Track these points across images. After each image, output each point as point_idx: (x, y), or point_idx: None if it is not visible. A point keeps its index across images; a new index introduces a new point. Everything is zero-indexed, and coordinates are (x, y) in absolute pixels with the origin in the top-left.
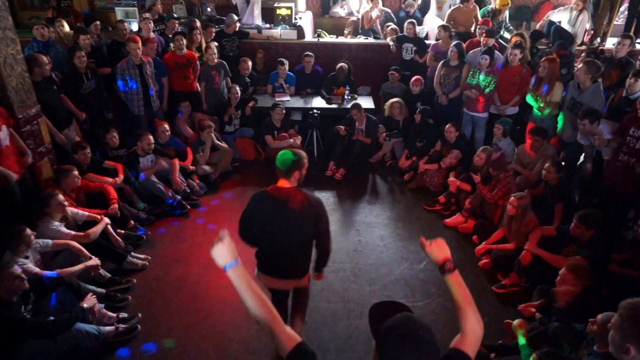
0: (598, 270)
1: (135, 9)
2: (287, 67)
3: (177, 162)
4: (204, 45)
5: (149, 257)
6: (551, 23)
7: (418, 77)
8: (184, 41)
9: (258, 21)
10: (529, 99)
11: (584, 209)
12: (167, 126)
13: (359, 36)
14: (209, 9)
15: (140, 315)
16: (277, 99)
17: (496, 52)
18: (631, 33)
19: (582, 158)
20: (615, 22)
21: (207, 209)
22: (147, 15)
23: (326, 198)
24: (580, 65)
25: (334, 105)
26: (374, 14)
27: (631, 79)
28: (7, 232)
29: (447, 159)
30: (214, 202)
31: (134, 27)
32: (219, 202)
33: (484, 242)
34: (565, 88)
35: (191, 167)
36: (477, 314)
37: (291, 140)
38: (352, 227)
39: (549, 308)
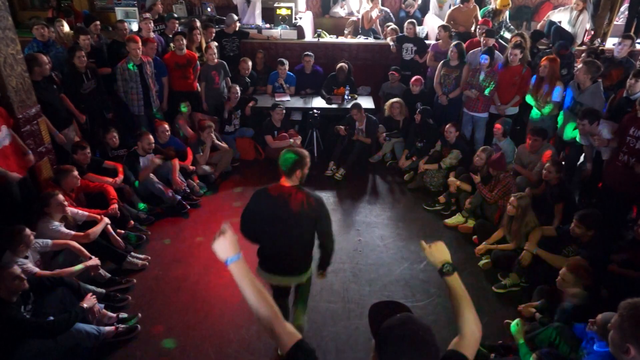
0: (598, 270)
1: (135, 9)
2: (287, 67)
3: (177, 162)
4: (204, 45)
5: (149, 257)
6: (551, 23)
7: (418, 77)
8: (184, 41)
9: (259, 21)
10: (529, 98)
11: (584, 209)
12: (167, 126)
13: (359, 36)
14: (209, 9)
15: (140, 315)
16: (277, 99)
17: (496, 52)
18: (631, 33)
19: (582, 158)
20: (615, 22)
21: (207, 209)
22: (147, 15)
23: (326, 198)
24: (580, 65)
25: (334, 105)
26: (374, 14)
27: (632, 80)
28: (7, 232)
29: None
30: (214, 202)
31: (134, 27)
32: (219, 202)
33: (484, 242)
34: (565, 88)
35: (191, 167)
36: (475, 316)
37: (291, 140)
38: (352, 227)
39: (549, 308)
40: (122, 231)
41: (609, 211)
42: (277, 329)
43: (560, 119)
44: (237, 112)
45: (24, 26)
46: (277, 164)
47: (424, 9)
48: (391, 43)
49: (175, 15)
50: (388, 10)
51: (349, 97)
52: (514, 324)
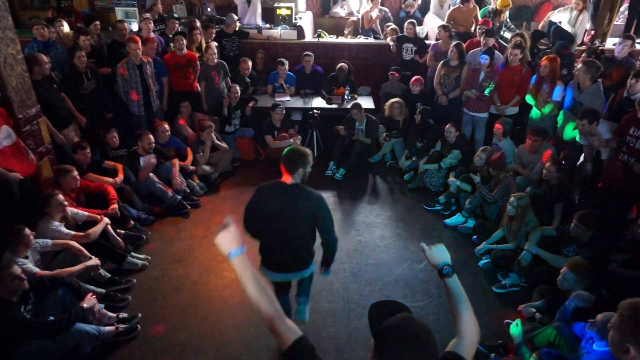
0: (598, 270)
1: (135, 9)
2: (287, 67)
3: (177, 162)
4: (204, 45)
5: (149, 257)
6: (551, 23)
7: (418, 77)
8: (184, 41)
9: (259, 21)
10: (529, 98)
11: (584, 209)
12: (167, 126)
13: (359, 36)
14: (209, 9)
15: (140, 315)
16: (277, 99)
17: (496, 52)
18: (631, 33)
19: (582, 158)
20: (615, 22)
21: (207, 209)
22: (147, 15)
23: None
24: (580, 65)
25: (334, 106)
26: (374, 14)
27: (632, 80)
28: (6, 232)
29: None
30: (214, 202)
31: (134, 27)
32: (219, 202)
33: (484, 242)
34: (565, 88)
35: (191, 167)
36: (473, 318)
37: (291, 140)
38: (352, 227)
39: (549, 308)
40: (122, 231)
41: (609, 211)
42: (278, 325)
43: (560, 119)
44: (237, 112)
45: (24, 26)
46: (278, 163)
47: (424, 9)
48: (391, 43)
49: (176, 15)
50: (387, 10)
51: (349, 97)
52: (514, 325)
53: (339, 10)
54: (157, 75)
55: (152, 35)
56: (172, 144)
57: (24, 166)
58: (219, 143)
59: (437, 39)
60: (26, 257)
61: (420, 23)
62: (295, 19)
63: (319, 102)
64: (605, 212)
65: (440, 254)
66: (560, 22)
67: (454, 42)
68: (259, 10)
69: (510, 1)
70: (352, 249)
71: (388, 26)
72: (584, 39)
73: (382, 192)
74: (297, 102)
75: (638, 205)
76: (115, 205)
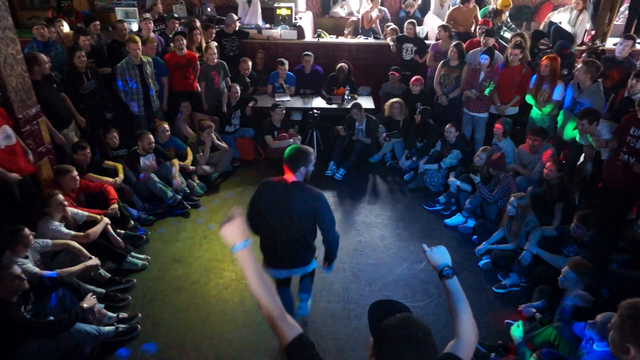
0: (598, 270)
1: (135, 9)
2: (287, 67)
3: (176, 162)
4: (204, 45)
5: (149, 257)
6: (552, 24)
7: (418, 77)
8: (184, 41)
9: (260, 21)
10: (529, 98)
11: (584, 209)
12: (167, 126)
13: (359, 36)
14: (209, 9)
15: (140, 315)
16: (277, 99)
17: (496, 52)
18: (632, 33)
19: (582, 158)
20: (615, 22)
21: (207, 209)
22: (147, 15)
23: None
24: (580, 65)
25: (334, 106)
26: (374, 14)
27: (633, 80)
28: (6, 231)
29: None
30: (214, 202)
31: (134, 27)
32: (219, 202)
33: (484, 242)
34: (565, 88)
35: (191, 167)
36: (472, 319)
37: (291, 140)
38: (352, 227)
39: (549, 308)
40: (122, 231)
41: (609, 211)
42: (278, 321)
43: (560, 119)
44: (237, 112)
45: (24, 26)
46: (278, 163)
47: (424, 9)
48: (391, 43)
49: (176, 15)
50: (386, 10)
51: (349, 97)
52: (515, 326)
53: (339, 10)
54: (157, 75)
55: (152, 35)
56: (172, 144)
57: (22, 166)
58: (219, 143)
59: (437, 39)
60: (26, 257)
61: (420, 23)
62: (295, 19)
63: (319, 102)
64: (605, 212)
65: (441, 255)
66: (560, 23)
67: (454, 42)
68: (259, 10)
69: (510, 1)
70: (352, 249)
71: (388, 26)
72: (584, 39)
73: (382, 192)
74: (297, 102)
75: (638, 205)
76: (115, 205)
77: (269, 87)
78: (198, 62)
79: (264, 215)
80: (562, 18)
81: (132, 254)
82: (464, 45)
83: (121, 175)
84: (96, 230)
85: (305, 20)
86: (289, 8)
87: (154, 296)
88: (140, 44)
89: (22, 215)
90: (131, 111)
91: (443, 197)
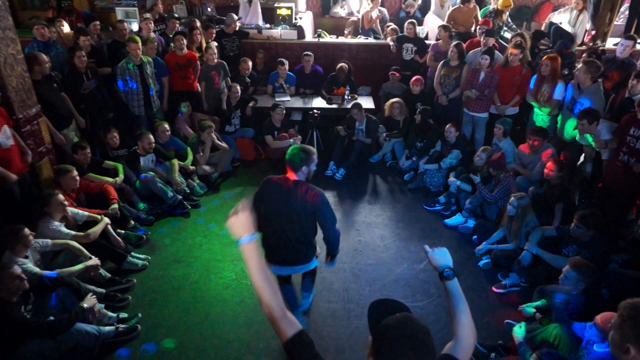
0: (598, 271)
1: (136, 9)
2: (287, 67)
3: (176, 162)
4: (204, 45)
5: (149, 257)
6: (552, 24)
7: (418, 77)
8: (185, 41)
9: (260, 21)
10: (529, 98)
11: (584, 209)
12: (167, 126)
13: (359, 36)
14: (209, 9)
15: (140, 315)
16: (277, 99)
17: (496, 52)
18: (632, 33)
19: (582, 158)
20: (615, 22)
21: (207, 209)
22: (148, 15)
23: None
24: (580, 65)
25: (334, 106)
26: (374, 14)
27: (634, 80)
28: (5, 231)
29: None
30: (214, 202)
31: (134, 27)
32: (219, 202)
33: (484, 242)
34: (566, 87)
35: (191, 168)
36: (471, 321)
37: (291, 140)
38: (352, 227)
39: (549, 308)
40: (122, 231)
41: (609, 211)
42: (278, 317)
43: (560, 119)
44: (237, 112)
45: (24, 26)
46: (278, 163)
47: (424, 9)
48: (391, 43)
49: (176, 15)
50: (385, 10)
51: (349, 97)
52: (518, 327)
53: (339, 10)
54: (157, 75)
55: (153, 35)
56: (172, 144)
57: (17, 166)
58: (219, 143)
59: (437, 39)
60: (26, 257)
61: (420, 23)
62: (295, 19)
63: (319, 102)
64: (605, 212)
65: (443, 256)
66: (560, 23)
67: (454, 42)
68: (259, 10)
69: (511, 1)
70: (352, 249)
71: (388, 26)
72: (584, 39)
73: (382, 192)
74: (297, 102)
75: (638, 205)
76: (116, 205)
77: (269, 87)
78: (198, 62)
79: (265, 213)
80: (562, 19)
81: (132, 254)
82: (464, 46)
83: (121, 175)
84: (96, 230)
85: (306, 20)
86: (289, 8)
87: (154, 296)
88: (140, 44)
89: (22, 215)
90: (131, 111)
91: (443, 197)
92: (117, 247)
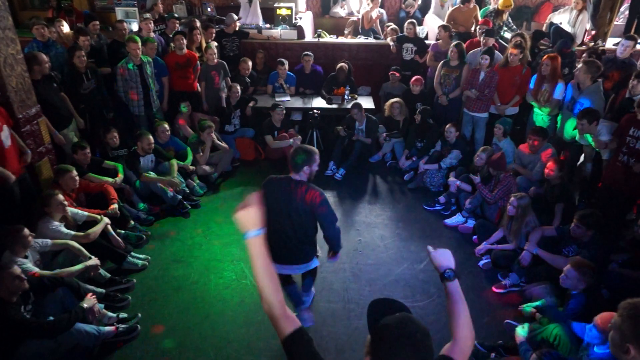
0: (598, 271)
1: (135, 9)
2: (287, 67)
3: (175, 163)
4: (204, 45)
5: (149, 257)
6: (552, 24)
7: (418, 77)
8: (184, 41)
9: (260, 21)
10: (529, 98)
11: (584, 209)
12: (167, 126)
13: (359, 36)
14: (209, 9)
15: (140, 315)
16: (277, 99)
17: (496, 52)
18: (632, 33)
19: (582, 158)
20: (615, 22)
21: (207, 209)
22: (148, 15)
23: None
24: (580, 65)
25: (334, 106)
26: (374, 14)
27: (634, 81)
28: (5, 231)
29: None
30: (214, 202)
31: (134, 27)
32: (219, 202)
33: (484, 242)
34: (566, 86)
35: (191, 168)
36: (470, 322)
37: (291, 140)
38: (352, 227)
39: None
40: (122, 231)
41: (609, 211)
42: (278, 314)
43: (560, 119)
44: (237, 112)
45: (24, 26)
46: (278, 163)
47: (424, 9)
48: (391, 43)
49: (176, 15)
50: (384, 12)
51: (349, 97)
52: (521, 327)
53: (339, 10)
54: (157, 75)
55: (152, 35)
56: (172, 144)
57: (15, 166)
58: (219, 143)
59: (437, 39)
60: (26, 257)
61: (420, 23)
62: (295, 19)
63: (319, 102)
64: (605, 212)
65: (445, 257)
66: (560, 23)
67: (454, 42)
68: (259, 10)
69: (512, 1)
70: (352, 249)
71: (388, 26)
72: (584, 39)
73: (382, 192)
74: (297, 102)
75: (638, 205)
76: (115, 205)
77: (269, 87)
78: (198, 62)
79: (266, 212)
80: (562, 19)
81: (132, 254)
82: (464, 46)
83: (121, 175)
84: (96, 230)
85: (305, 20)
86: (289, 8)
87: (154, 296)
88: (140, 43)
89: (22, 215)
90: (131, 111)
91: (443, 197)
92: (117, 247)
